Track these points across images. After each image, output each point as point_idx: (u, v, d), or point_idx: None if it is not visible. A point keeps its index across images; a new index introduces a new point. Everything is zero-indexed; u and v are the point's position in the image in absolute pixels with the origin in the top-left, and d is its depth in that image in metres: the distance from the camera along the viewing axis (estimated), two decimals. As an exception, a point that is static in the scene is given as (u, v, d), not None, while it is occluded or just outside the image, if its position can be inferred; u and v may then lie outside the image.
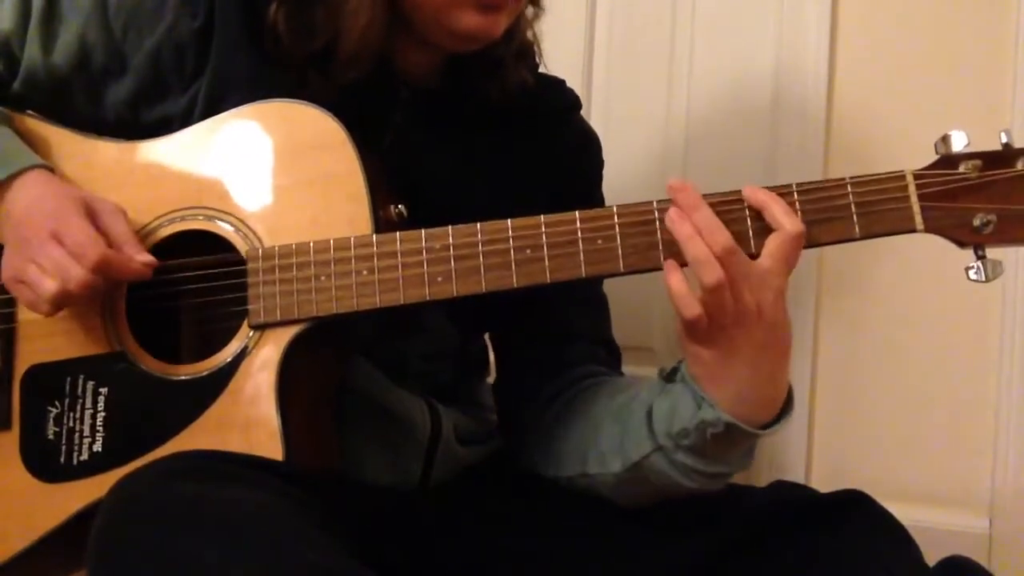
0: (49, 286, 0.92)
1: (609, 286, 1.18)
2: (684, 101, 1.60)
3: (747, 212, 0.87)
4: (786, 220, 0.85)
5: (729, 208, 0.87)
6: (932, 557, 0.93)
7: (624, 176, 1.49)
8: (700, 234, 0.85)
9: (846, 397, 1.51)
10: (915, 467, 1.47)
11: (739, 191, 0.87)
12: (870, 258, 1.49)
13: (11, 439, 1.00)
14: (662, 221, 0.87)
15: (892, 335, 1.48)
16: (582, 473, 1.02)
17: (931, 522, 1.39)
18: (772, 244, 0.86)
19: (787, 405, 0.91)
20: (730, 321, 0.85)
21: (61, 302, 0.94)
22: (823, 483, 1.03)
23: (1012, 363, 1.41)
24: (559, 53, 1.42)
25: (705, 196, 0.87)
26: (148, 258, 0.95)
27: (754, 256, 0.86)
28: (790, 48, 1.52)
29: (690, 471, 0.92)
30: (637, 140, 1.61)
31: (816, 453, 1.52)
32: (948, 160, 0.86)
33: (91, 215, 0.95)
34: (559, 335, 1.11)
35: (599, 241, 0.89)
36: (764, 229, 0.86)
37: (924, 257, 1.44)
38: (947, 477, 1.46)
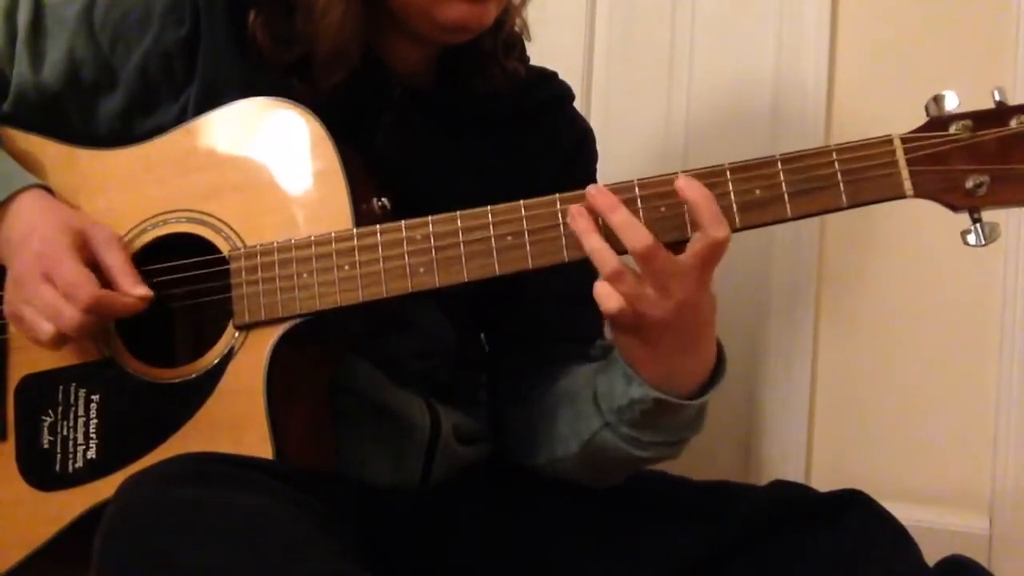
0: (45, 328, 0.93)
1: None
2: (684, 101, 1.59)
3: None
4: (712, 227, 0.82)
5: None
6: (932, 557, 0.93)
7: (623, 176, 1.49)
8: (621, 232, 0.84)
9: (846, 397, 1.50)
10: (915, 467, 1.46)
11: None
12: (870, 258, 1.49)
13: (7, 450, 1.00)
14: (644, 200, 0.86)
15: (892, 335, 1.48)
16: (552, 459, 1.03)
17: (931, 522, 1.38)
18: (696, 247, 0.84)
19: (718, 370, 0.91)
20: (658, 313, 0.85)
21: (58, 343, 0.94)
22: (823, 483, 1.03)
23: (1012, 363, 1.40)
24: (559, 53, 1.42)
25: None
26: (144, 291, 0.94)
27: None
28: (790, 48, 1.51)
29: (639, 442, 0.94)
30: (637, 140, 1.61)
31: (816, 453, 1.51)
32: (938, 122, 0.82)
33: (84, 246, 0.95)
34: (550, 334, 1.11)
35: None
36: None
37: (924, 257, 1.44)
38: (947, 477, 1.45)
